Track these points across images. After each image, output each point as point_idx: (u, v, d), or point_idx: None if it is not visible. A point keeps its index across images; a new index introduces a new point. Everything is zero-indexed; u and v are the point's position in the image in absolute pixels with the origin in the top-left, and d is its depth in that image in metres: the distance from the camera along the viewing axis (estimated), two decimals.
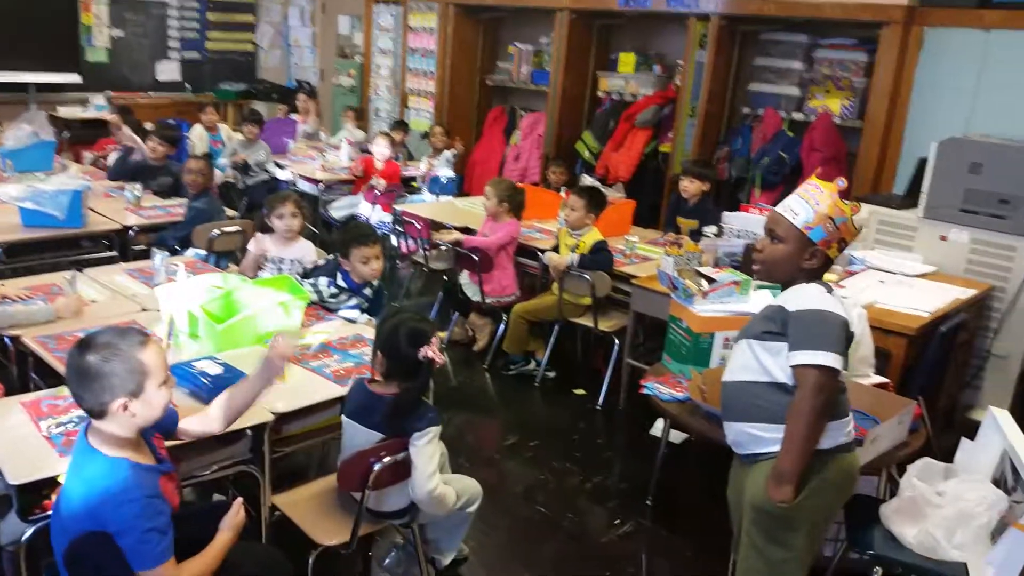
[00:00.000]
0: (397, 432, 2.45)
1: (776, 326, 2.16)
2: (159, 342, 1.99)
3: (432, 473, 2.46)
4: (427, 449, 2.45)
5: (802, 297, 2.15)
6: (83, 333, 2.95)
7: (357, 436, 2.51)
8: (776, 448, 2.15)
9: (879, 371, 3.16)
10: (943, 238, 4.16)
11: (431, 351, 2.44)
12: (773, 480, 2.14)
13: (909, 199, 4.43)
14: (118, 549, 1.88)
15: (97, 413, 1.90)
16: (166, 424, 2.17)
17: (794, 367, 2.10)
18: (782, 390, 2.16)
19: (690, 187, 4.92)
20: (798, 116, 5.60)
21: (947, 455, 2.79)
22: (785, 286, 2.26)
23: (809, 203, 2.17)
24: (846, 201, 2.19)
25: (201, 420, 2.30)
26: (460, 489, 2.69)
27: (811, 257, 2.18)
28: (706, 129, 5.87)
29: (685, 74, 5.87)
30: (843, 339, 2.10)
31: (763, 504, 2.18)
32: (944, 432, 3.47)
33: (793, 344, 2.11)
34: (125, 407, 1.88)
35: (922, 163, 4.38)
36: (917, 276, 3.98)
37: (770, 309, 2.22)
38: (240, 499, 2.18)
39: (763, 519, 2.22)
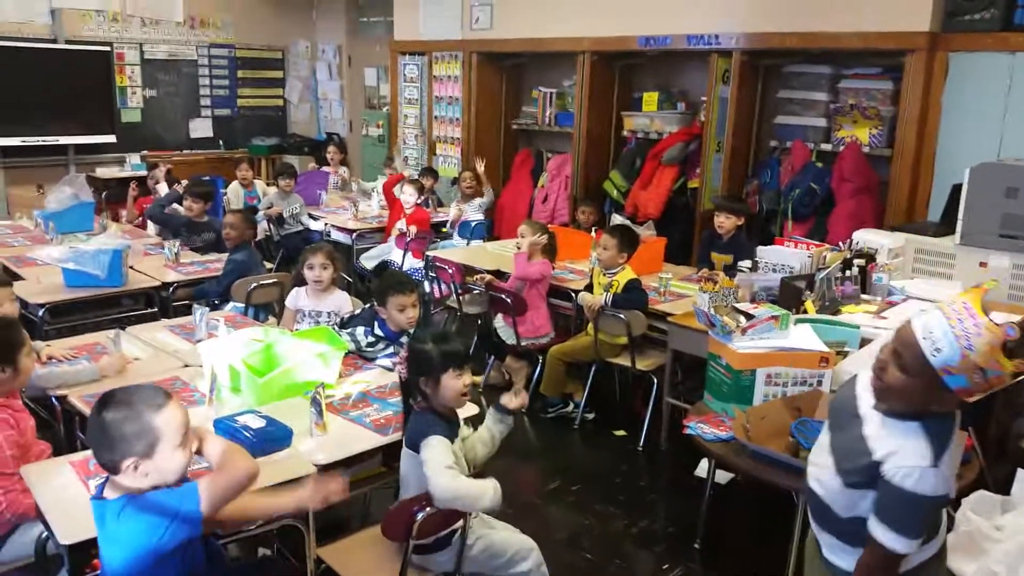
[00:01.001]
0: (415, 448, 2.48)
1: (864, 478, 1.81)
2: (178, 403, 1.98)
3: (440, 468, 2.36)
4: (430, 453, 2.40)
5: (904, 463, 1.74)
6: None
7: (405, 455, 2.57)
8: (843, 567, 1.94)
9: None
10: (983, 264, 4.09)
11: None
12: None
13: (945, 226, 4.38)
14: None
15: (110, 469, 1.91)
16: None
17: (871, 536, 1.82)
18: (854, 522, 1.87)
19: (726, 223, 4.91)
20: (826, 147, 5.58)
21: (1002, 486, 2.72)
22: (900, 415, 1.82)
23: (959, 341, 1.64)
24: (1008, 342, 1.65)
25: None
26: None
27: (942, 403, 1.73)
28: (733, 163, 5.87)
29: (709, 110, 5.89)
30: (931, 520, 1.83)
31: None
32: (997, 463, 3.38)
33: (877, 510, 1.80)
34: (136, 467, 1.88)
35: (956, 189, 4.33)
36: None
37: (862, 451, 1.82)
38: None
39: None
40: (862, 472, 1.81)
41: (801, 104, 5.70)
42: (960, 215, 4.16)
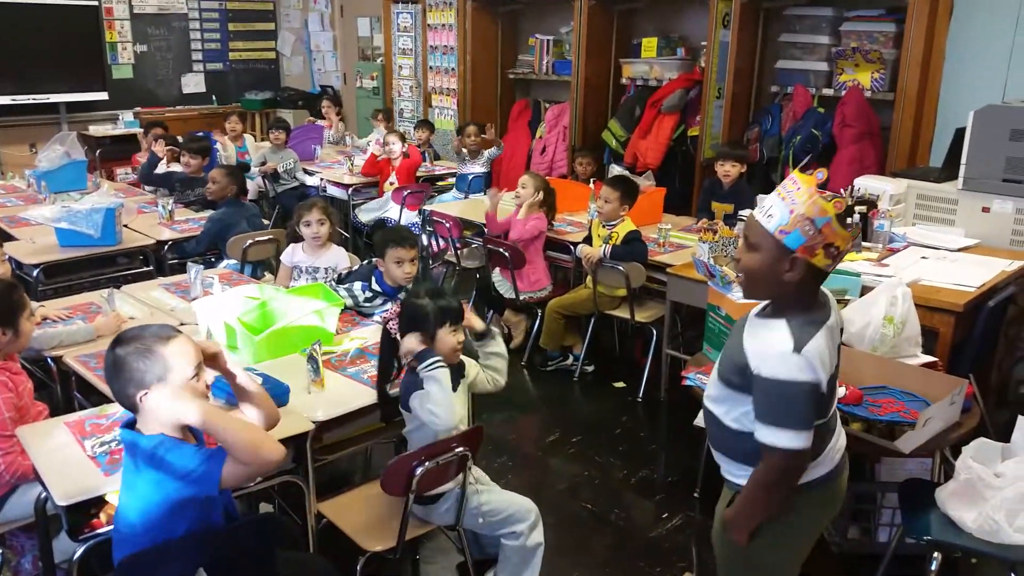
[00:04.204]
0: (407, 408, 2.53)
1: (739, 379, 1.91)
2: (189, 338, 1.98)
3: (437, 402, 2.41)
4: (426, 399, 2.43)
5: (767, 353, 1.85)
6: None
7: None
8: (739, 483, 2.01)
9: (927, 350, 3.08)
10: (985, 210, 4.05)
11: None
12: (728, 521, 2.03)
13: (948, 171, 4.32)
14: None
15: (129, 407, 1.93)
16: None
17: (761, 443, 1.87)
18: (737, 436, 1.96)
19: (732, 171, 4.83)
20: (828, 92, 5.48)
21: (1003, 434, 2.71)
22: (773, 306, 1.95)
23: (785, 202, 1.83)
24: (828, 196, 1.82)
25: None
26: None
27: (791, 267, 1.83)
28: (734, 110, 5.78)
29: (710, 55, 5.78)
30: (811, 408, 1.84)
31: (721, 540, 2.10)
32: (998, 410, 3.39)
33: (757, 413, 1.88)
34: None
35: (959, 133, 4.27)
36: (960, 250, 3.88)
37: (738, 354, 1.92)
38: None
39: (723, 553, 2.14)
40: (737, 371, 1.91)
41: (803, 48, 5.59)
42: (963, 159, 4.10)
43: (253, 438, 1.92)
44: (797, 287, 1.86)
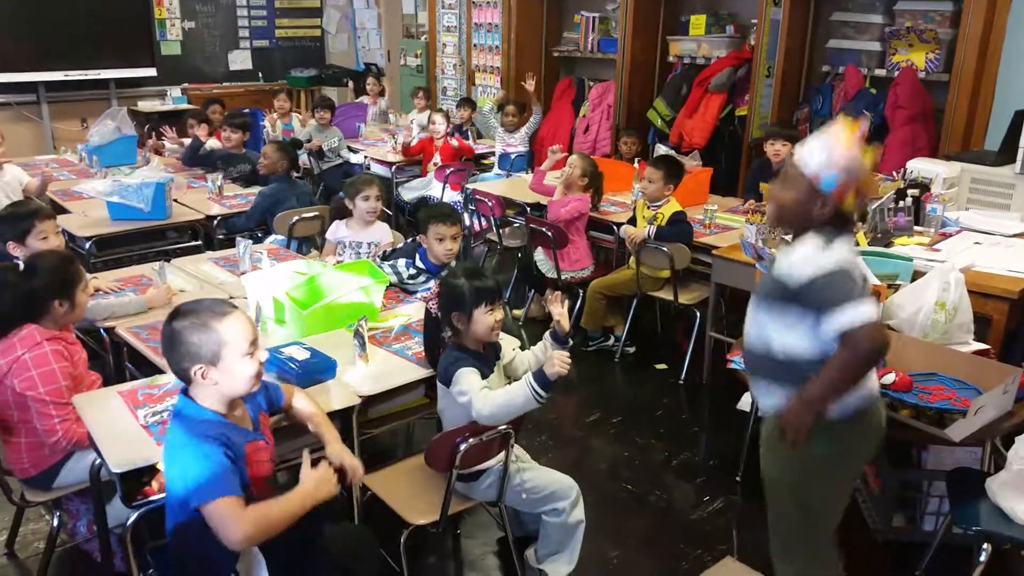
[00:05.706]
0: (447, 383, 2.51)
1: (782, 291, 2.07)
2: (244, 314, 2.02)
3: (476, 395, 2.39)
4: (463, 384, 2.42)
5: (801, 264, 2.03)
6: None
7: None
8: (783, 403, 2.12)
9: (979, 337, 3.01)
10: None
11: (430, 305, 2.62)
12: (790, 406, 2.07)
13: (1004, 155, 4.21)
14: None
15: (183, 378, 1.97)
16: (272, 398, 2.24)
17: (840, 333, 1.97)
18: (786, 360, 2.10)
19: (782, 151, 4.73)
20: (880, 72, 5.36)
21: None
22: (796, 236, 2.13)
23: (827, 146, 2.02)
24: (867, 145, 2.03)
25: (305, 404, 2.36)
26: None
27: (822, 206, 2.04)
28: (784, 90, 5.68)
29: (759, 33, 5.67)
30: (859, 285, 2.00)
31: (772, 464, 2.23)
32: None
33: (824, 312, 1.98)
34: (204, 375, 1.92)
35: (1018, 116, 4.15)
36: (1016, 236, 3.78)
37: (775, 281, 2.11)
38: (323, 462, 2.11)
39: (773, 490, 2.26)
40: (779, 286, 2.08)
41: (855, 27, 5.46)
42: (1021, 143, 3.99)
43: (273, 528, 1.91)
44: (821, 225, 2.06)
